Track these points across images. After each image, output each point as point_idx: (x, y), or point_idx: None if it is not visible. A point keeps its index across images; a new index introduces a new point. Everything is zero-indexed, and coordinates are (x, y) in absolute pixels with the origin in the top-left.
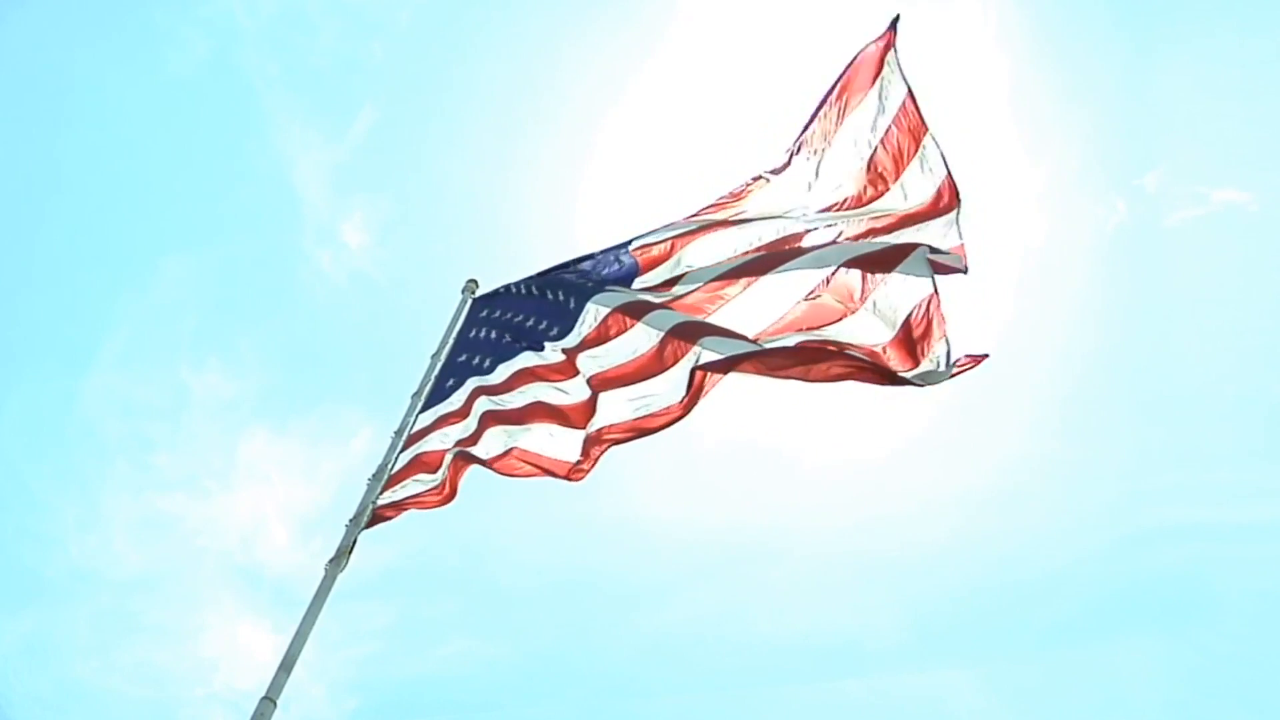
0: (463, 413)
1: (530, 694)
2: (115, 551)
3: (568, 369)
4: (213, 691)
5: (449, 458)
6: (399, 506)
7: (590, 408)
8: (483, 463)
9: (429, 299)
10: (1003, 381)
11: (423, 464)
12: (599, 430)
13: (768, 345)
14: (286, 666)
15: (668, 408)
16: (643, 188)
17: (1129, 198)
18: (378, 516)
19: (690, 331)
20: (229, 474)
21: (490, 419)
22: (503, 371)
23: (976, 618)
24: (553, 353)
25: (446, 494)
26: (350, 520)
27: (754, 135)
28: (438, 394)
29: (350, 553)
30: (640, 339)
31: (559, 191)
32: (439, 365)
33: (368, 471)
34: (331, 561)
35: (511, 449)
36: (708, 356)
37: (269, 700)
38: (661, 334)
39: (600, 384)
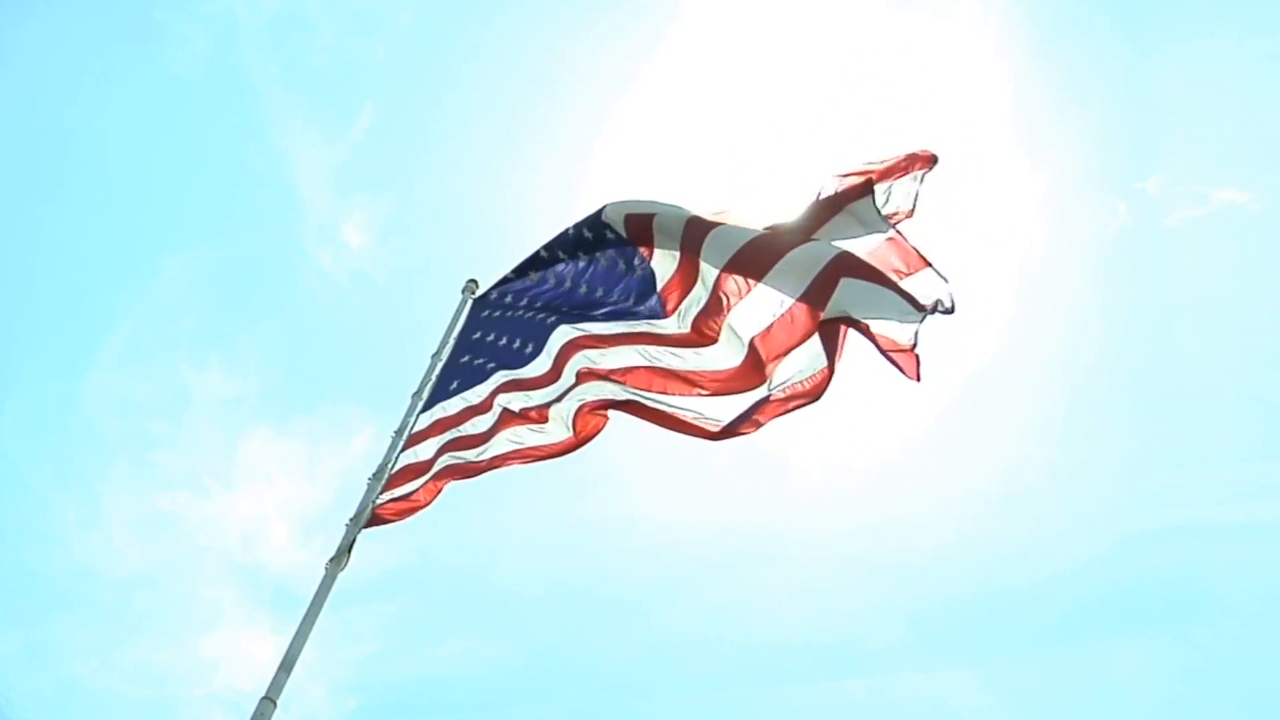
0: (482, 408)
1: (530, 694)
2: (116, 550)
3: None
4: (213, 691)
5: (439, 465)
6: (400, 509)
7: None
8: (477, 468)
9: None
10: (1004, 383)
11: (419, 469)
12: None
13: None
14: (286, 666)
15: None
16: (643, 188)
17: (1130, 200)
18: (377, 517)
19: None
20: (230, 473)
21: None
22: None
23: (977, 618)
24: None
25: (424, 501)
26: (350, 520)
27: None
28: (439, 394)
29: (350, 552)
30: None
31: (559, 191)
32: (440, 365)
33: (368, 471)
34: (332, 561)
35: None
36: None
37: (269, 700)
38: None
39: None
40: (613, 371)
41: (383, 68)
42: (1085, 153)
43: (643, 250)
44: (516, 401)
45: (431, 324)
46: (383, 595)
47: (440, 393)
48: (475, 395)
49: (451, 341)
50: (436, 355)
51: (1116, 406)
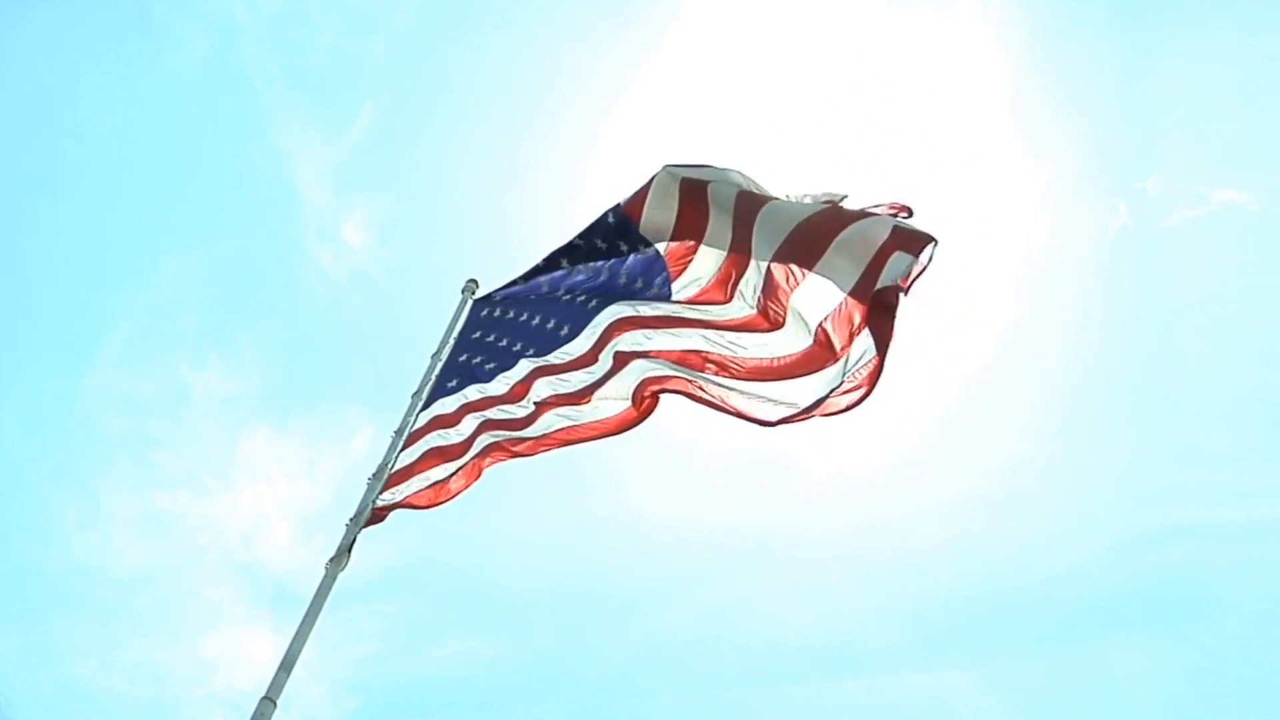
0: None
1: (530, 694)
2: (116, 549)
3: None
4: (213, 691)
5: (479, 445)
6: (434, 496)
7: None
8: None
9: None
10: (1005, 383)
11: (425, 463)
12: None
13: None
14: (286, 666)
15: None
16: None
17: (1130, 200)
18: (377, 516)
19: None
20: (230, 472)
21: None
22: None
23: (976, 618)
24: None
25: (461, 486)
26: (350, 519)
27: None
28: (438, 393)
29: (350, 552)
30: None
31: (559, 191)
32: (440, 365)
33: (368, 470)
34: (332, 560)
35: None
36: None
37: (269, 700)
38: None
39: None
40: (662, 353)
41: (382, 67)
42: (1085, 152)
43: (674, 245)
44: (553, 385)
45: (431, 324)
46: (383, 595)
47: (439, 391)
48: (501, 383)
49: (451, 341)
50: (436, 355)
51: (1116, 406)
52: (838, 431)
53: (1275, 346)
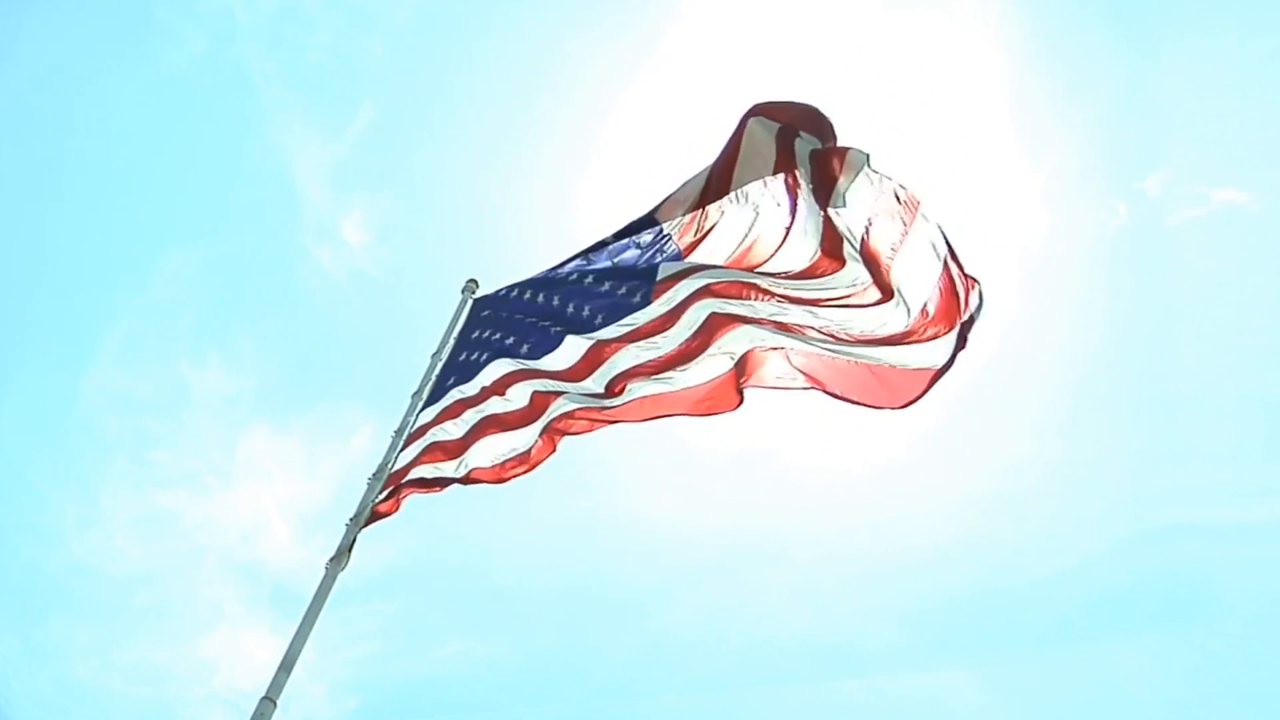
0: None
1: (530, 694)
2: (115, 548)
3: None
4: (213, 691)
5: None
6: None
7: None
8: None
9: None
10: (1005, 383)
11: (427, 458)
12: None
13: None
14: (286, 666)
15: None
16: (643, 188)
17: (1130, 200)
18: (377, 514)
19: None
20: (229, 471)
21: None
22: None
23: (976, 618)
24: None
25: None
26: (350, 519)
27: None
28: (438, 393)
29: (350, 552)
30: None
31: (559, 191)
32: (439, 365)
33: (368, 469)
34: (332, 560)
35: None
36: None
37: (269, 700)
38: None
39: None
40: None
41: (381, 65)
42: (1084, 152)
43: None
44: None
45: (431, 324)
46: (383, 593)
47: (439, 391)
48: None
49: (451, 341)
50: (436, 355)
51: (1116, 406)
52: (838, 431)
53: (1275, 346)
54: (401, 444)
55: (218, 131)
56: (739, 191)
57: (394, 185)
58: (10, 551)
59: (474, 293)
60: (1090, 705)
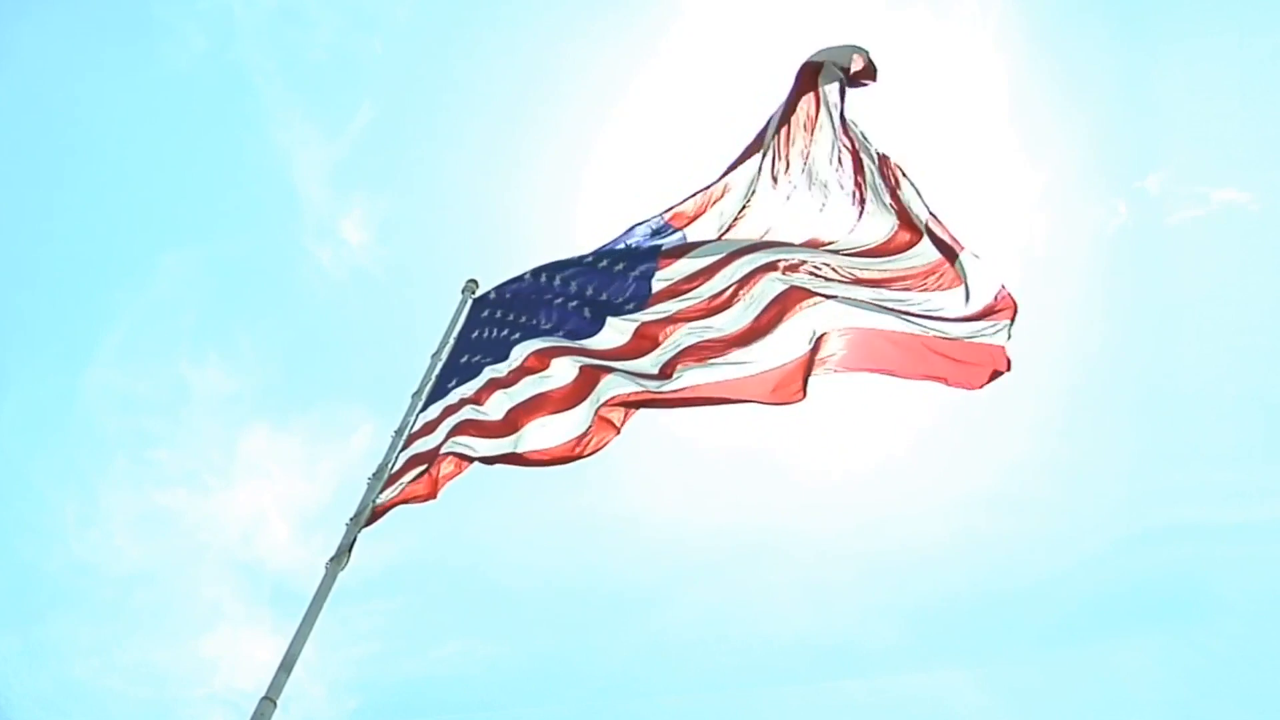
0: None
1: (530, 694)
2: (115, 547)
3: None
4: (213, 691)
5: (443, 450)
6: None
7: (585, 386)
8: (489, 460)
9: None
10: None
11: (420, 460)
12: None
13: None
14: (286, 666)
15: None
16: (643, 188)
17: (1130, 199)
18: (377, 514)
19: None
20: (229, 470)
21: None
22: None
23: (976, 618)
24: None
25: (428, 490)
26: (350, 519)
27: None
28: (438, 393)
29: (350, 551)
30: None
31: (559, 191)
32: (439, 365)
33: (368, 468)
34: (332, 560)
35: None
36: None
37: (269, 700)
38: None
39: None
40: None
41: (381, 64)
42: (1085, 152)
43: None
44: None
45: (431, 322)
46: (383, 592)
47: (439, 392)
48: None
49: (451, 341)
50: (436, 355)
51: (1116, 406)
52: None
53: (1275, 346)
54: (402, 445)
55: (217, 131)
56: (794, 167)
57: (394, 184)
58: (10, 551)
59: (474, 293)
60: (1090, 705)
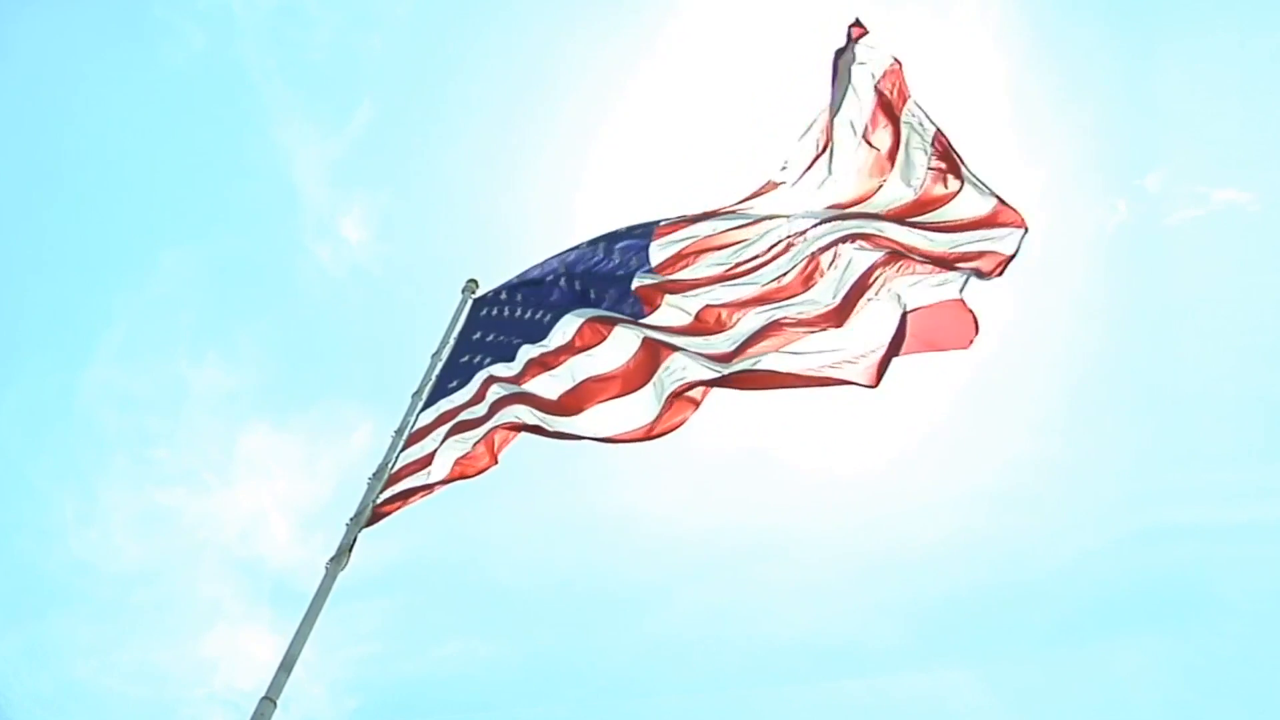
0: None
1: (530, 694)
2: (115, 546)
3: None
4: (213, 691)
5: (489, 426)
6: (403, 499)
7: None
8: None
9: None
10: (1004, 382)
11: (424, 461)
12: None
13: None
14: (286, 666)
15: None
16: (643, 187)
17: (1129, 198)
18: (378, 514)
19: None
20: (228, 468)
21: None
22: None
23: (977, 618)
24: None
25: (488, 462)
26: (351, 519)
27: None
28: (438, 393)
29: (350, 551)
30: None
31: (559, 191)
32: (440, 365)
33: (368, 467)
34: (332, 560)
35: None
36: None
37: (269, 700)
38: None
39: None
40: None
41: (381, 62)
42: (1084, 150)
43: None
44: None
45: (431, 321)
46: (383, 591)
47: (439, 392)
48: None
49: (451, 341)
50: (436, 355)
51: (1116, 406)
52: (838, 429)
53: (1275, 346)
54: (402, 444)
55: (217, 129)
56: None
57: (393, 183)
58: (10, 549)
59: (474, 293)
60: (1090, 705)
